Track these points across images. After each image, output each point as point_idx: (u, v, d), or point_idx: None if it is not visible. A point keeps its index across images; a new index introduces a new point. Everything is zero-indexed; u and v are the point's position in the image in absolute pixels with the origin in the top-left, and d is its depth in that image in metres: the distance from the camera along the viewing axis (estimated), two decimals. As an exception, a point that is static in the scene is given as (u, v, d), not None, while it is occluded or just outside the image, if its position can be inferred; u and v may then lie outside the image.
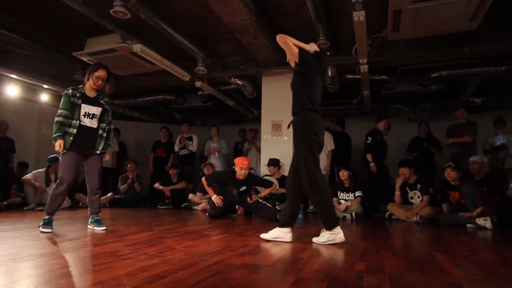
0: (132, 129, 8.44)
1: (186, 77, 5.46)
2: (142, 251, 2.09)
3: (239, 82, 5.78)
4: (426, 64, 5.38)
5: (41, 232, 2.87)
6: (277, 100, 5.56)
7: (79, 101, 3.13)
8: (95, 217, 3.20)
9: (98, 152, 3.22)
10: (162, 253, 2.04)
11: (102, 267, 1.68)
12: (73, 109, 3.09)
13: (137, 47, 4.36)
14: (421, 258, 2.15)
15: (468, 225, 3.94)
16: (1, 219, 3.83)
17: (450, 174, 4.31)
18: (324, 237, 2.49)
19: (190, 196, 6.01)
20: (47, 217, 2.99)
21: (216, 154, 6.51)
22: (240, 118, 8.82)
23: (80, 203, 5.86)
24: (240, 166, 4.44)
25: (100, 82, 3.19)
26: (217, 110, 7.93)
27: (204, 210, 5.60)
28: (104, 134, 3.26)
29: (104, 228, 3.12)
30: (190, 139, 6.81)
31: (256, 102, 6.41)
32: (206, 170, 6.01)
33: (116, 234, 2.78)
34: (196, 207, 5.87)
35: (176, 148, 6.86)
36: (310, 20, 4.00)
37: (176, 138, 7.04)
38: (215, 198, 4.40)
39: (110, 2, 3.50)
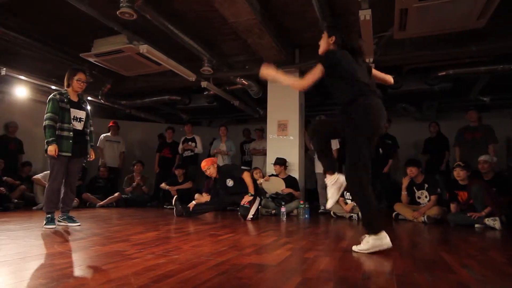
0: (138, 129, 8.49)
1: (192, 77, 5.48)
2: (149, 250, 2.10)
3: (244, 82, 5.79)
4: (433, 63, 5.33)
5: (45, 228, 3.04)
6: (282, 100, 5.56)
7: (68, 106, 3.27)
8: (68, 214, 3.32)
9: (88, 155, 3.44)
10: (168, 252, 2.05)
11: (110, 266, 1.70)
12: (62, 113, 3.23)
13: (144, 48, 4.39)
14: (428, 259, 2.13)
15: (477, 225, 3.89)
16: (10, 218, 3.88)
17: (459, 174, 4.26)
18: (368, 243, 2.16)
19: (197, 196, 6.02)
20: (49, 215, 3.16)
21: (226, 157, 6.53)
22: (246, 118, 8.83)
23: (88, 203, 5.92)
24: (203, 169, 4.64)
25: (82, 84, 3.36)
26: (222, 110, 7.95)
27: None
28: (88, 138, 3.45)
29: (79, 224, 3.25)
30: (193, 140, 6.82)
31: (262, 102, 6.41)
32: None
33: (123, 234, 2.81)
34: (202, 207, 5.89)
35: (180, 150, 6.88)
36: (315, 20, 3.99)
37: (180, 138, 7.06)
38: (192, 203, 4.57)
39: (116, 3, 3.53)
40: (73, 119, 3.29)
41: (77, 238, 2.60)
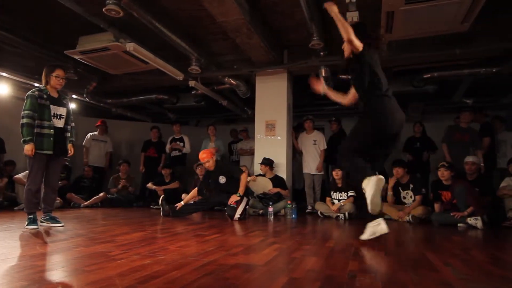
0: (124, 128, 8.36)
1: (179, 76, 5.44)
2: (135, 251, 2.07)
3: (233, 81, 5.77)
4: (418, 65, 5.42)
5: (27, 229, 2.96)
6: (270, 100, 5.57)
7: (47, 102, 3.19)
8: (50, 215, 3.25)
9: (69, 153, 3.36)
10: (154, 253, 2.02)
11: (94, 267, 1.67)
12: (42, 110, 3.14)
13: (130, 46, 4.33)
14: (413, 258, 2.17)
15: (460, 224, 3.98)
16: (-10, 219, 3.77)
17: (443, 174, 4.35)
18: (367, 231, 2.55)
19: (184, 196, 5.97)
20: (30, 216, 3.08)
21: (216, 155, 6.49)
22: (234, 118, 8.81)
23: (72, 203, 5.80)
24: (202, 161, 4.61)
25: (61, 80, 3.28)
26: (210, 109, 7.91)
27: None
28: (68, 135, 3.37)
29: (62, 224, 3.18)
30: (181, 140, 6.78)
31: (250, 102, 6.41)
32: (199, 171, 5.98)
33: (108, 235, 2.76)
34: (189, 207, 5.85)
35: (167, 149, 6.82)
36: (304, 21, 4.01)
37: (167, 138, 6.99)
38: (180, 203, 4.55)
39: (103, 0, 3.47)
40: (53, 116, 3.21)
41: (60, 239, 2.54)
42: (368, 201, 2.43)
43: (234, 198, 4.28)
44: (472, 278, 1.64)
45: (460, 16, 3.43)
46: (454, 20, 3.53)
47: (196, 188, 4.74)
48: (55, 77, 3.24)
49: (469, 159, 4.48)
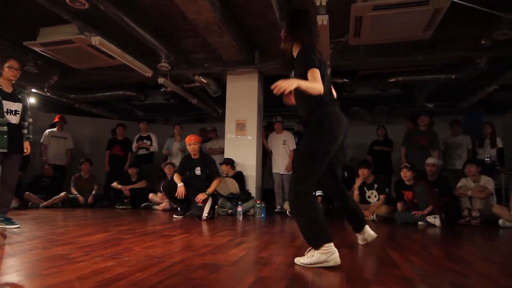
0: (88, 125, 8.03)
1: (148, 73, 5.29)
2: (97, 253, 1.99)
3: (203, 80, 5.70)
4: (384, 70, 5.63)
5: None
6: (241, 100, 5.56)
7: None
8: (5, 216, 3.10)
9: (25, 150, 3.22)
10: (118, 254, 1.96)
11: (52, 271, 1.58)
12: None
13: (96, 40, 4.15)
14: (376, 255, 2.25)
15: (420, 223, 4.18)
16: None
17: (406, 174, 4.55)
18: (313, 257, 1.80)
19: (151, 195, 5.84)
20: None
21: (180, 154, 6.37)
22: (204, 117, 8.72)
23: (30, 203, 5.49)
24: (188, 142, 4.53)
25: (15, 72, 3.13)
26: (180, 107, 7.77)
27: (165, 210, 5.47)
28: (25, 131, 3.23)
29: (18, 226, 3.03)
30: (148, 138, 6.61)
31: (221, 101, 6.36)
32: (167, 170, 5.86)
33: (69, 236, 2.63)
34: (157, 207, 5.72)
35: (134, 148, 6.63)
36: (275, 21, 4.03)
37: (133, 136, 6.80)
38: (180, 187, 4.33)
39: (66, -10, 3.31)
40: (7, 112, 3.04)
41: (15, 241, 2.39)
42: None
43: (201, 196, 4.24)
44: (430, 274, 1.73)
45: (423, 24, 3.59)
46: (418, 28, 3.69)
47: (178, 174, 4.55)
48: (8, 67, 3.06)
49: (430, 160, 4.73)
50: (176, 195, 4.31)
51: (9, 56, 3.17)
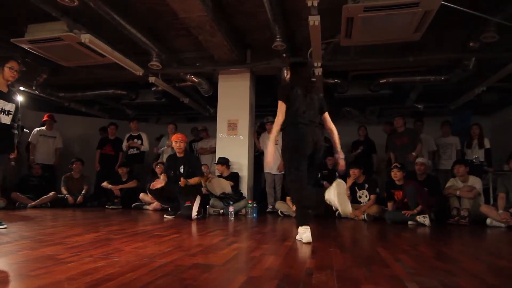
0: (78, 124, 7.93)
1: (139, 71, 5.24)
2: (86, 253, 1.96)
3: (195, 79, 5.67)
4: (375, 70, 5.69)
5: None
6: (233, 99, 5.55)
7: None
8: None
9: (13, 151, 3.20)
10: (108, 255, 1.93)
11: (40, 272, 1.56)
12: None
13: (86, 38, 4.09)
14: (366, 254, 2.26)
15: (409, 222, 4.22)
16: None
17: (396, 174, 4.59)
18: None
19: (141, 195, 5.79)
20: None
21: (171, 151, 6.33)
22: (196, 116, 8.68)
23: (18, 203, 5.39)
24: (175, 139, 4.55)
25: (15, 73, 3.11)
26: (171, 107, 7.73)
27: (155, 210, 5.43)
28: (16, 132, 3.21)
29: (5, 226, 2.97)
30: (139, 137, 6.55)
31: (212, 100, 6.34)
32: (158, 169, 5.82)
33: (58, 236, 2.59)
34: (147, 207, 5.67)
35: (124, 147, 6.56)
36: (268, 21, 4.04)
37: (124, 135, 6.72)
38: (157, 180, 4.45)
39: (55, -13, 3.27)
40: (0, 111, 3.00)
41: (2, 242, 2.35)
42: (337, 205, 2.48)
43: (183, 180, 4.24)
44: (419, 272, 1.75)
45: (413, 26, 3.63)
46: (408, 29, 3.74)
47: (164, 174, 4.60)
48: (9, 68, 3.02)
49: (419, 160, 4.79)
50: (151, 187, 4.42)
51: (11, 57, 3.15)
